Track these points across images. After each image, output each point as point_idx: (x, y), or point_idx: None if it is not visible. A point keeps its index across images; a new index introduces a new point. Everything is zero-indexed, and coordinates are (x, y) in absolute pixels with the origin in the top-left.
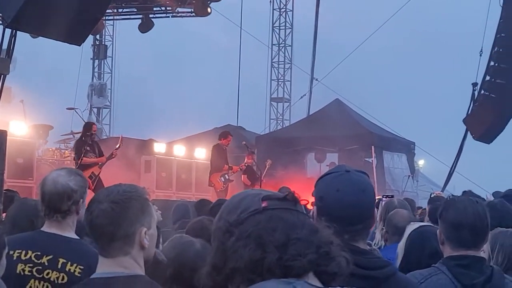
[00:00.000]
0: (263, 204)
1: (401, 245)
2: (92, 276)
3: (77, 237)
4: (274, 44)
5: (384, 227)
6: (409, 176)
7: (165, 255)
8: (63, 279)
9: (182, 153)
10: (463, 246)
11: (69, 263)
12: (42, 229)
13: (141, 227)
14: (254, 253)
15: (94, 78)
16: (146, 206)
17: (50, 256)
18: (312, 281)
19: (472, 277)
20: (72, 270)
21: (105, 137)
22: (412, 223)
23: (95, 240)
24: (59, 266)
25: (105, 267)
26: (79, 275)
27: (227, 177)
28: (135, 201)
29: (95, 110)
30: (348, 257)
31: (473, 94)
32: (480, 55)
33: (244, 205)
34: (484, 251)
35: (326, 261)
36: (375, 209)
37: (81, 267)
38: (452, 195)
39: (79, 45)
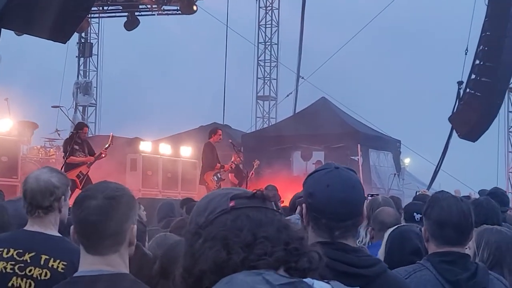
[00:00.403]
0: (231, 204)
1: (382, 249)
2: (76, 274)
3: (59, 234)
4: (260, 42)
5: (370, 225)
6: (395, 174)
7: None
8: (46, 275)
9: (168, 152)
10: (447, 244)
11: (52, 259)
12: (25, 228)
13: (132, 224)
14: (219, 254)
15: (80, 76)
16: (135, 202)
17: (33, 253)
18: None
19: (456, 273)
20: (55, 266)
21: (91, 135)
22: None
23: (85, 237)
24: (42, 262)
25: (89, 265)
26: (62, 271)
27: (219, 176)
28: (127, 198)
29: (80, 108)
30: (320, 251)
31: (458, 92)
32: (466, 54)
33: (212, 206)
34: (469, 248)
35: (296, 257)
36: (365, 207)
37: (64, 263)
38: (436, 193)
39: (64, 43)
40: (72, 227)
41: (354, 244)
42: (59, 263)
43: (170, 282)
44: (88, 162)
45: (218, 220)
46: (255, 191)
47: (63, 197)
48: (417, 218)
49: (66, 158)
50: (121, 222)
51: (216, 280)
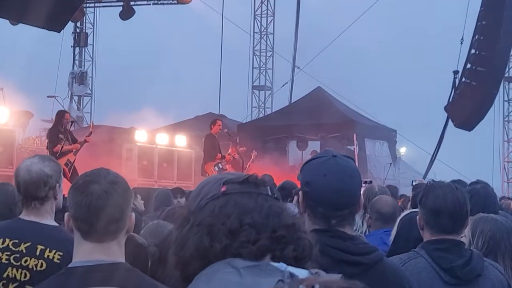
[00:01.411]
0: (222, 189)
1: (394, 231)
2: (70, 265)
3: (56, 224)
4: (256, 32)
5: (367, 213)
6: (390, 163)
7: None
8: (41, 266)
9: (164, 142)
10: (442, 232)
11: (48, 249)
12: (20, 216)
13: (131, 211)
14: (202, 241)
15: (75, 66)
16: (131, 190)
17: (28, 244)
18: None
19: (451, 260)
20: (51, 257)
21: (86, 125)
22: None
23: (88, 222)
24: (38, 253)
25: (86, 254)
26: (58, 261)
27: (220, 166)
28: (126, 184)
29: (75, 98)
30: (311, 239)
31: (454, 82)
32: (461, 43)
33: (204, 191)
34: (465, 236)
35: (282, 245)
36: (362, 195)
37: (60, 253)
38: (433, 181)
39: (59, 32)
40: (66, 214)
41: (351, 232)
42: (55, 254)
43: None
44: (74, 150)
45: (208, 205)
46: (248, 175)
47: (57, 184)
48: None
49: (55, 148)
50: (124, 207)
51: (198, 267)
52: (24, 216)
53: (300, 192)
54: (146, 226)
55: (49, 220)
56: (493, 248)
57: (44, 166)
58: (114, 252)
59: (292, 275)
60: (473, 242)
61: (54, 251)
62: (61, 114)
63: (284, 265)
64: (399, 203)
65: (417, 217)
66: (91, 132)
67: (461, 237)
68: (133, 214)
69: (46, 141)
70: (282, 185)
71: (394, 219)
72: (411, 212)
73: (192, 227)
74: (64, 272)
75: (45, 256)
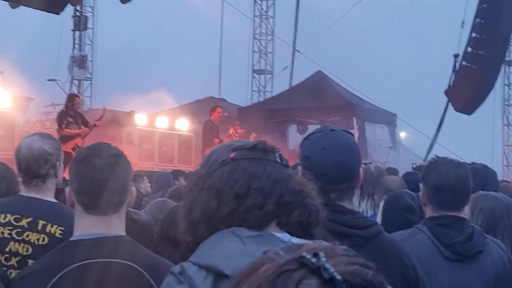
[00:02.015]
0: (231, 155)
1: (379, 213)
2: (72, 238)
3: (56, 201)
4: (256, 16)
5: (363, 192)
6: (390, 147)
7: (152, 217)
8: (43, 240)
9: (164, 125)
10: (444, 208)
11: (49, 224)
12: (20, 193)
13: (131, 185)
14: (209, 204)
15: (75, 49)
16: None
17: (30, 219)
18: (273, 230)
19: (452, 236)
20: (52, 231)
21: (86, 109)
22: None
23: (91, 195)
24: (39, 227)
25: (88, 227)
26: (60, 236)
27: None
28: (127, 158)
29: (76, 82)
30: (318, 205)
31: (454, 65)
32: (462, 27)
33: (214, 157)
34: (465, 214)
35: (287, 211)
36: (361, 169)
37: (62, 228)
38: (436, 157)
39: (58, 14)
40: (67, 188)
41: (350, 206)
42: (56, 228)
43: (171, 245)
44: (83, 134)
45: (217, 171)
46: (257, 142)
47: (57, 162)
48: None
49: (62, 131)
50: (125, 180)
51: (204, 231)
52: (24, 193)
53: (299, 167)
54: (154, 202)
55: (50, 197)
56: (492, 225)
57: (44, 144)
58: (116, 225)
59: None
60: (473, 220)
61: (55, 226)
62: (71, 97)
63: (288, 236)
64: None
65: (420, 193)
66: (101, 116)
67: (463, 214)
68: (133, 188)
69: (55, 124)
70: None
71: None
72: (393, 191)
73: (201, 192)
74: (67, 245)
75: (47, 230)
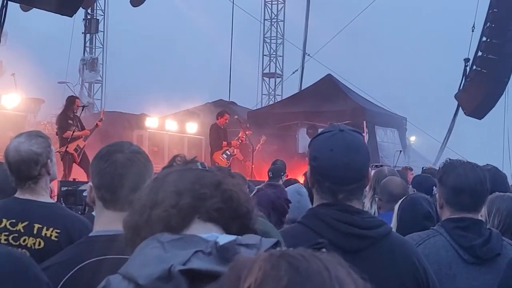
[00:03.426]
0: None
1: (394, 218)
2: (91, 234)
3: (51, 200)
4: (266, 19)
5: (376, 195)
6: (400, 151)
7: None
8: (39, 244)
9: (174, 128)
10: (463, 210)
11: (45, 227)
12: (15, 195)
13: None
14: (133, 218)
15: (86, 52)
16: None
17: (26, 223)
18: (198, 229)
19: (470, 239)
20: (48, 235)
21: (97, 111)
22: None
23: (111, 190)
24: (35, 231)
25: (107, 223)
26: (56, 239)
27: (228, 153)
28: (147, 156)
29: (86, 85)
30: (240, 192)
31: (465, 69)
32: (473, 31)
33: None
34: (481, 215)
35: (203, 201)
36: (369, 169)
37: (58, 230)
38: (450, 159)
39: (71, 16)
40: (88, 185)
41: (359, 206)
42: (52, 231)
43: None
44: (84, 136)
45: (144, 191)
46: (174, 157)
47: (48, 160)
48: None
49: (62, 133)
50: (146, 177)
51: (136, 242)
52: (19, 195)
53: (308, 167)
54: None
55: (45, 197)
56: (509, 226)
57: (31, 144)
58: None
59: (216, 244)
60: (489, 221)
61: (51, 229)
62: (71, 100)
63: (215, 234)
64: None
65: (437, 195)
66: (101, 118)
67: (480, 216)
68: None
69: (56, 127)
70: (274, 161)
71: None
72: (408, 195)
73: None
74: (85, 240)
75: (43, 234)
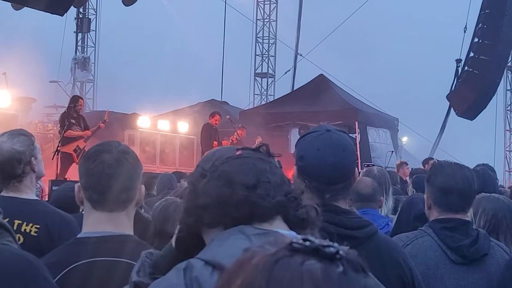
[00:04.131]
0: (238, 153)
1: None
2: (80, 235)
3: (35, 197)
4: (258, 19)
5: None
6: (392, 151)
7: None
8: (19, 240)
9: (166, 128)
10: (450, 210)
11: (25, 223)
12: (0, 194)
13: (141, 183)
14: (223, 190)
15: (78, 51)
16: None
17: (6, 219)
18: (279, 226)
19: (458, 239)
20: (28, 230)
21: (88, 111)
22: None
23: (99, 191)
24: (15, 227)
25: (95, 224)
26: (35, 234)
27: None
28: (136, 156)
29: (78, 84)
30: (317, 208)
31: (456, 70)
32: (464, 32)
33: (218, 154)
34: (468, 216)
35: (295, 206)
36: (356, 169)
37: (37, 226)
38: (438, 160)
39: (62, 15)
40: (76, 185)
41: (345, 206)
42: (31, 227)
43: (165, 240)
44: (85, 136)
45: (225, 164)
46: (260, 145)
47: (32, 158)
48: None
49: (64, 132)
50: (134, 177)
51: (217, 214)
52: (4, 193)
53: (295, 167)
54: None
55: (29, 195)
56: (495, 226)
57: (14, 143)
58: (123, 224)
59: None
60: (475, 221)
61: (31, 224)
62: (75, 99)
63: (294, 233)
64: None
65: (425, 196)
66: (105, 120)
67: (467, 217)
68: (143, 186)
69: (58, 125)
70: None
71: (373, 200)
72: (412, 195)
73: (210, 181)
74: (73, 242)
75: (22, 230)
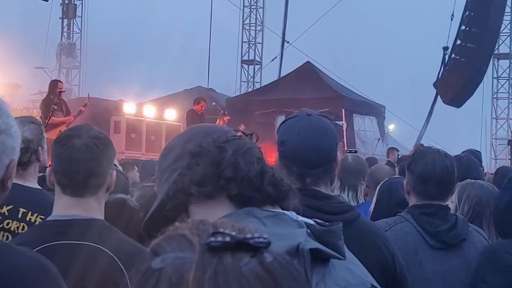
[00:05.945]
0: (239, 134)
1: (373, 202)
2: (49, 218)
3: (39, 187)
4: (245, 6)
5: (363, 182)
6: (379, 139)
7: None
8: (23, 228)
9: (152, 114)
10: (429, 198)
11: (30, 212)
12: None
13: (112, 169)
14: (256, 166)
15: (63, 38)
16: (114, 148)
17: (11, 206)
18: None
19: (437, 224)
20: (32, 220)
21: (74, 97)
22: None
23: (68, 175)
24: (20, 215)
25: (63, 208)
26: None
27: None
28: (109, 141)
29: (64, 70)
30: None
31: (443, 58)
32: (451, 19)
33: (219, 130)
34: (452, 202)
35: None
36: (338, 153)
37: (42, 216)
38: (422, 146)
39: (47, 1)
40: (48, 168)
41: (327, 191)
42: (36, 217)
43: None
44: (68, 122)
45: (241, 139)
46: (251, 132)
47: (39, 148)
48: None
49: (48, 119)
50: (105, 163)
51: (239, 187)
52: None
53: (277, 153)
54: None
55: (32, 183)
56: (478, 213)
57: (24, 131)
58: (92, 208)
59: (306, 224)
60: (459, 207)
61: (36, 214)
62: (54, 84)
63: (295, 214)
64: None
65: (404, 182)
66: (86, 104)
67: (447, 204)
68: (114, 172)
69: (40, 112)
70: None
71: None
72: (389, 178)
73: (236, 152)
74: (40, 225)
75: (27, 219)
